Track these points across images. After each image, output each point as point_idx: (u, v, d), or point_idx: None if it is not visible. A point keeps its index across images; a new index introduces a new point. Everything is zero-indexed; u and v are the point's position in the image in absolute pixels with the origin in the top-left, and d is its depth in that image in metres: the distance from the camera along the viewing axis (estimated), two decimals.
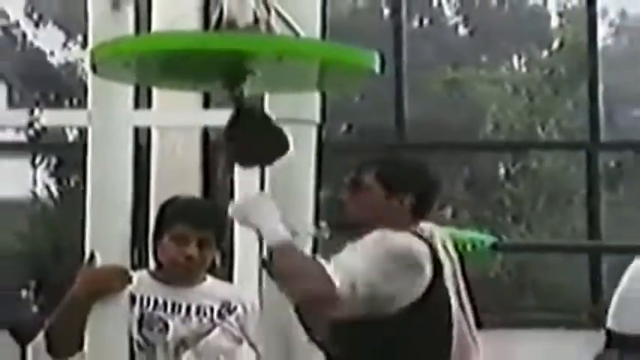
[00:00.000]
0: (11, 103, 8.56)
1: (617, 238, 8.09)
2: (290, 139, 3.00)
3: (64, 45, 8.67)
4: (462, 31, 8.76)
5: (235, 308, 3.54)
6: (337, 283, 2.93)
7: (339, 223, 3.39)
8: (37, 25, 8.68)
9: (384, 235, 3.14)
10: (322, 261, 3.02)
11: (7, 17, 8.62)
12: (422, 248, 3.18)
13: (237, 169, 3.99)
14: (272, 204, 3.06)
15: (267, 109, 3.10)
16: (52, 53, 8.74)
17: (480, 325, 3.81)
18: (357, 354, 3.22)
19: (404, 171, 3.39)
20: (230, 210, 3.15)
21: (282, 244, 3.01)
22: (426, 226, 3.34)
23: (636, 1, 8.59)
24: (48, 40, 8.70)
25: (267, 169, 3.36)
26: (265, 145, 3.01)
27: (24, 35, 8.70)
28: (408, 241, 3.18)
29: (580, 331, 7.49)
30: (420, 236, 3.24)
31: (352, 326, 3.11)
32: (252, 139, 2.98)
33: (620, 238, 8.16)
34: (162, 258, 3.52)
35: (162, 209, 3.57)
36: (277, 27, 2.87)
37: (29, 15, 8.66)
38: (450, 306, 3.27)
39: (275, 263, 3.04)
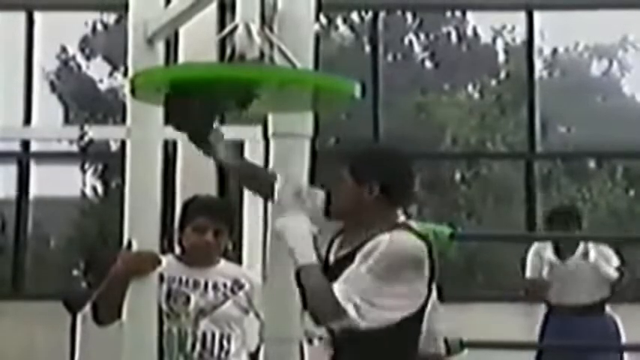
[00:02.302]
0: (67, 121, 8.54)
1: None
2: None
3: (110, 74, 8.65)
4: (428, 64, 8.74)
5: (244, 285, 3.53)
6: (347, 311, 2.72)
7: (326, 214, 3.18)
8: (88, 58, 8.65)
9: (388, 247, 2.79)
10: (336, 290, 2.76)
11: (66, 52, 8.61)
12: (422, 252, 2.85)
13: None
14: (308, 226, 2.83)
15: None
16: (100, 81, 8.71)
17: (442, 299, 3.80)
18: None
19: (370, 161, 2.96)
20: (275, 224, 2.89)
21: (308, 266, 2.78)
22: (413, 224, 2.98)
23: (565, 43, 8.60)
24: (97, 70, 8.68)
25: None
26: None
27: (79, 66, 8.67)
28: (412, 249, 2.84)
29: (518, 303, 7.49)
30: (418, 233, 2.89)
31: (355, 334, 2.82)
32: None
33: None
34: (185, 244, 3.51)
35: (185, 205, 3.56)
36: (279, 60, 2.86)
37: (83, 50, 8.63)
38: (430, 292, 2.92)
39: (299, 280, 2.81)
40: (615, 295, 6.15)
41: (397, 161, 2.98)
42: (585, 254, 6.06)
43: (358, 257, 2.82)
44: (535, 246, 6.24)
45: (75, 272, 8.01)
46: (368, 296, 2.75)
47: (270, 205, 3.15)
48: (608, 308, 6.15)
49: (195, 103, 2.82)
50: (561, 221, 6.10)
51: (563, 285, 6.10)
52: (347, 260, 2.86)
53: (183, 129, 2.94)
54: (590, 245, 6.08)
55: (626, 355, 6.02)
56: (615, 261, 6.11)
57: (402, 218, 2.96)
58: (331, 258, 2.98)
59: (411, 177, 2.97)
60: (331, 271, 2.90)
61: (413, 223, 2.98)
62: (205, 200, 3.57)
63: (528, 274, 6.24)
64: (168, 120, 2.90)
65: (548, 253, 6.16)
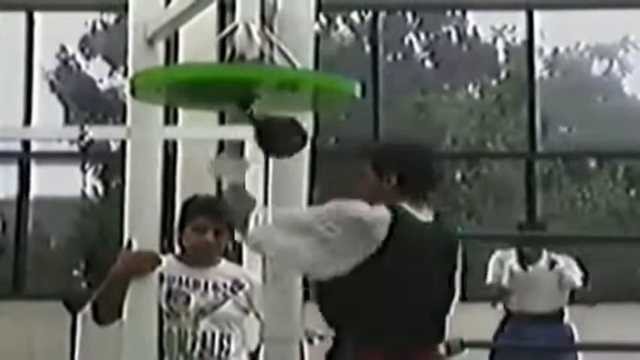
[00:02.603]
0: (67, 121, 8.54)
1: (550, 230, 8.09)
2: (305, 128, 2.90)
3: (110, 74, 8.65)
4: (429, 64, 8.74)
5: (244, 285, 3.53)
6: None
7: None
8: (88, 57, 8.66)
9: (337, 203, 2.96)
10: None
11: (66, 51, 8.60)
12: (376, 214, 2.93)
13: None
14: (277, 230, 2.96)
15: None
16: (100, 80, 8.72)
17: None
18: (327, 311, 3.04)
19: (390, 154, 3.14)
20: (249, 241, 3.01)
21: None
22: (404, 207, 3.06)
23: (565, 43, 8.60)
24: (97, 70, 8.68)
25: (270, 174, 3.34)
26: (291, 139, 2.92)
27: (78, 66, 8.67)
28: (359, 207, 2.95)
29: None
30: (390, 208, 2.96)
31: (325, 287, 2.97)
32: (280, 140, 2.91)
33: (553, 229, 8.16)
34: (185, 244, 3.51)
35: (185, 205, 3.56)
36: (279, 60, 2.86)
37: (82, 50, 8.63)
38: (404, 272, 2.95)
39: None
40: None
41: (414, 153, 3.12)
42: (552, 264, 6.16)
43: None
44: (497, 253, 6.33)
45: (75, 272, 8.02)
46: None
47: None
48: (566, 317, 6.25)
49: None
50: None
51: (523, 292, 6.18)
52: None
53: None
54: (555, 255, 6.20)
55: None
56: (578, 271, 6.21)
57: (404, 205, 3.02)
58: None
59: (428, 168, 3.11)
60: None
61: (409, 209, 3.02)
62: (205, 200, 3.57)
63: (489, 279, 6.32)
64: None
65: (511, 261, 6.26)
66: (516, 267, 6.24)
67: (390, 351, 2.94)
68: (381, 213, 2.95)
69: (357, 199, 3.06)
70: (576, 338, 6.20)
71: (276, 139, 2.87)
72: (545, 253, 6.22)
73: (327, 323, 3.04)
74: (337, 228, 2.91)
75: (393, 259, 2.93)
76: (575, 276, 6.17)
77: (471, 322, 5.88)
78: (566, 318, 6.25)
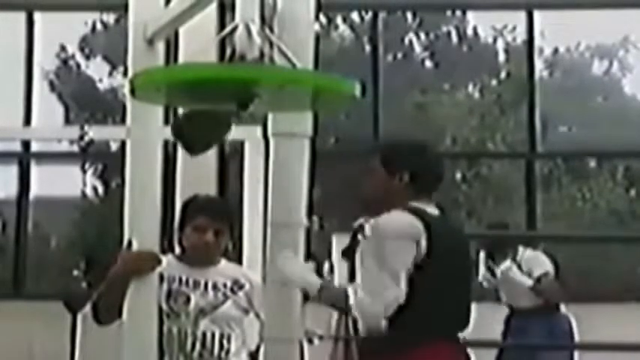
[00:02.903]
0: (67, 121, 8.54)
1: (550, 229, 8.10)
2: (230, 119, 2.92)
3: (110, 74, 8.65)
4: (428, 63, 8.74)
5: (244, 285, 3.53)
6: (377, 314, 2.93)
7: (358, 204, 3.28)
8: (88, 57, 8.65)
9: (372, 233, 3.00)
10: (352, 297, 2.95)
11: (66, 51, 8.60)
12: (414, 223, 2.99)
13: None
14: (298, 259, 3.05)
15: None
16: (100, 80, 8.71)
17: None
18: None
19: (401, 151, 3.18)
20: (269, 271, 3.09)
21: (318, 291, 3.01)
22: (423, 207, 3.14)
23: (566, 43, 8.60)
24: (97, 70, 8.68)
25: (271, 174, 3.34)
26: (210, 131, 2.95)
27: (78, 66, 8.67)
28: (398, 220, 3.01)
29: None
30: (416, 212, 3.04)
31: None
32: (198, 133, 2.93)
33: (553, 229, 8.17)
34: (185, 244, 3.51)
35: (185, 205, 3.56)
36: (278, 60, 2.86)
37: (82, 49, 8.63)
38: (450, 276, 3.06)
39: (322, 302, 3.03)
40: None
41: (425, 152, 3.20)
42: (514, 259, 6.22)
43: (357, 253, 3.05)
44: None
45: (75, 272, 8.01)
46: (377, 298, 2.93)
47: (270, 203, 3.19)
48: (563, 308, 6.29)
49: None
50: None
51: (504, 290, 6.31)
52: (351, 251, 3.17)
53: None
54: (520, 253, 6.23)
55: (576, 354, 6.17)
56: (545, 266, 6.21)
57: (415, 203, 3.09)
58: None
59: (437, 166, 3.20)
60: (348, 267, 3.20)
61: (426, 206, 3.11)
62: (205, 200, 3.57)
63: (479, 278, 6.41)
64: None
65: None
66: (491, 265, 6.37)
67: (442, 345, 3.06)
68: (417, 227, 3.00)
69: (366, 197, 3.14)
70: (574, 329, 6.23)
71: (191, 132, 2.88)
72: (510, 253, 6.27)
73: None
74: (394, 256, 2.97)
75: (435, 261, 3.01)
76: (522, 276, 6.18)
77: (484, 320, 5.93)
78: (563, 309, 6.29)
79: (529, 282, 6.15)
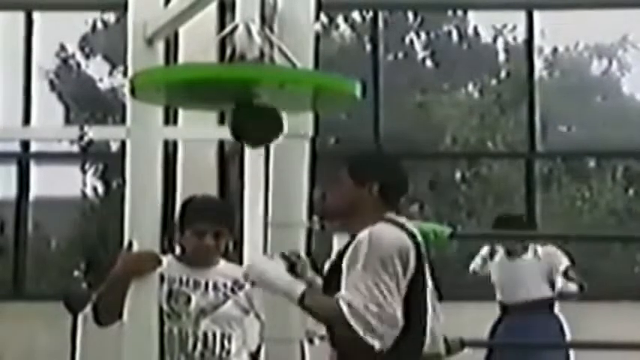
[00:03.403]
0: (67, 120, 8.53)
1: (550, 229, 8.09)
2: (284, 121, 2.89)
3: (110, 73, 8.64)
4: (429, 63, 8.73)
5: (244, 285, 3.52)
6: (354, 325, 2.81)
7: (323, 214, 3.25)
8: (88, 57, 8.64)
9: (370, 242, 2.89)
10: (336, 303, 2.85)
11: (66, 50, 8.58)
12: (405, 243, 2.94)
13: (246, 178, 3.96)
14: (276, 262, 2.98)
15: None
16: (100, 80, 8.70)
17: (440, 297, 3.78)
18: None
19: (369, 162, 3.11)
20: (245, 271, 3.04)
21: (300, 295, 2.89)
22: (401, 220, 3.10)
23: (565, 42, 8.59)
24: (97, 69, 8.67)
25: (271, 174, 3.34)
26: (266, 128, 2.92)
27: (78, 65, 8.66)
28: (394, 236, 2.93)
29: None
30: (402, 226, 2.99)
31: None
32: (254, 128, 2.90)
33: (552, 228, 8.16)
34: (185, 246, 3.50)
35: (184, 207, 3.55)
36: (279, 60, 2.85)
37: (82, 49, 8.62)
38: (425, 289, 3.03)
39: (303, 308, 2.93)
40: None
41: (394, 163, 3.13)
42: (535, 252, 6.35)
43: (345, 262, 2.90)
44: (485, 249, 6.55)
45: (75, 273, 8.00)
46: (374, 305, 2.82)
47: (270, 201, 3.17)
48: (557, 308, 6.36)
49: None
50: (507, 227, 6.40)
51: (512, 283, 6.36)
52: (335, 265, 2.97)
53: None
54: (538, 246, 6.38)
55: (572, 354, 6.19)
56: (564, 260, 6.32)
57: (390, 215, 3.02)
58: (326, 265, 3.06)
59: (405, 179, 3.13)
60: (324, 279, 3.01)
61: (402, 219, 3.04)
62: (204, 202, 3.55)
63: (470, 267, 6.62)
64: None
65: (499, 254, 6.48)
66: (504, 258, 6.44)
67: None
68: (408, 243, 2.94)
69: (335, 207, 3.07)
70: (565, 329, 6.27)
71: (250, 126, 2.85)
72: (531, 247, 6.39)
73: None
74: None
75: (418, 277, 2.97)
76: (559, 261, 6.30)
77: (465, 320, 5.92)
78: (556, 309, 6.35)
79: (566, 262, 6.26)
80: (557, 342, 6.19)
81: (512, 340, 6.21)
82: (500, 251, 6.47)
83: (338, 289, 2.88)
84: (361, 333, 2.80)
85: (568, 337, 6.23)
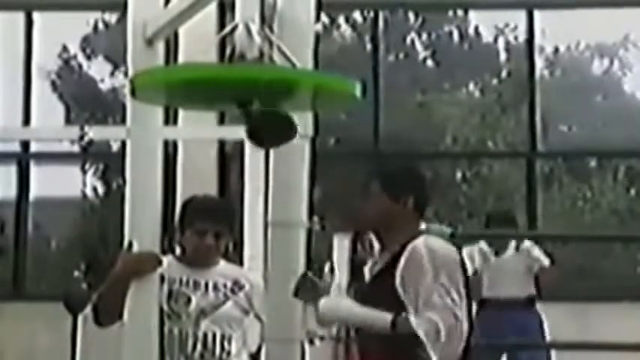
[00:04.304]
0: (68, 121, 8.53)
1: (551, 229, 8.09)
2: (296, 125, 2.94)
3: (112, 74, 8.64)
4: (430, 63, 8.73)
5: (244, 286, 3.52)
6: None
7: (356, 228, 3.32)
8: (90, 58, 8.64)
9: (432, 255, 3.04)
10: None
11: (68, 51, 8.59)
12: (457, 255, 3.14)
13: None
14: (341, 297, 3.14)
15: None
16: (101, 80, 8.70)
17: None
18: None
19: (403, 177, 3.27)
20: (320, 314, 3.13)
21: (391, 321, 3.00)
22: (440, 232, 3.30)
23: (566, 41, 8.59)
24: (98, 69, 8.67)
25: (271, 174, 3.33)
26: (279, 132, 2.94)
27: (80, 66, 8.66)
28: (452, 252, 3.11)
29: None
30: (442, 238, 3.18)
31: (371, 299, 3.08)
32: (270, 131, 2.92)
33: (553, 228, 8.16)
34: (185, 247, 3.50)
35: (184, 207, 3.55)
36: (278, 60, 2.85)
37: (84, 49, 8.62)
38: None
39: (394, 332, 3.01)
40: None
41: (422, 177, 3.33)
42: (517, 247, 6.42)
43: (403, 273, 3.02)
44: (467, 249, 6.43)
45: (76, 273, 8.00)
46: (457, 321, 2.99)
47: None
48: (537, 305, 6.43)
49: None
50: (497, 223, 6.54)
51: (495, 279, 6.41)
52: (384, 275, 3.09)
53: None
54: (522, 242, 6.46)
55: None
56: (543, 257, 6.44)
57: (422, 226, 3.20)
58: (366, 274, 3.18)
59: (430, 192, 3.33)
60: (368, 287, 3.15)
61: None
62: (204, 202, 3.55)
63: None
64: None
65: (482, 245, 6.51)
66: (488, 254, 6.48)
67: None
68: (456, 253, 3.12)
69: (368, 222, 3.21)
70: (545, 326, 6.32)
71: (265, 130, 2.87)
72: (512, 242, 6.48)
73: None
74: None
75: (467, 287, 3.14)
76: (539, 253, 6.41)
77: None
78: (537, 306, 6.41)
79: (546, 261, 6.33)
80: (565, 343, 6.17)
81: (490, 334, 6.17)
82: (483, 247, 6.50)
83: (387, 299, 3.01)
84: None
85: (547, 335, 6.26)
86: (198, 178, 4.18)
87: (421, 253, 3.03)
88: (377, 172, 3.31)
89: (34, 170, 8.07)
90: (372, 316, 3.03)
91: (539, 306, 6.43)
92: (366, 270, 3.24)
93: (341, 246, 4.63)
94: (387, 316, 2.98)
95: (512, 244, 6.45)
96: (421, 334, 2.97)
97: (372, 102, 7.78)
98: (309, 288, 3.11)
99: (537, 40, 8.13)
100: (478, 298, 6.33)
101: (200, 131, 4.80)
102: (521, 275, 6.37)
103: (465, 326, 3.01)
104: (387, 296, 3.02)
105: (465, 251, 6.45)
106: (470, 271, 6.37)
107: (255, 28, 2.77)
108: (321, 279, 3.19)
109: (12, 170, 8.01)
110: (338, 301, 3.13)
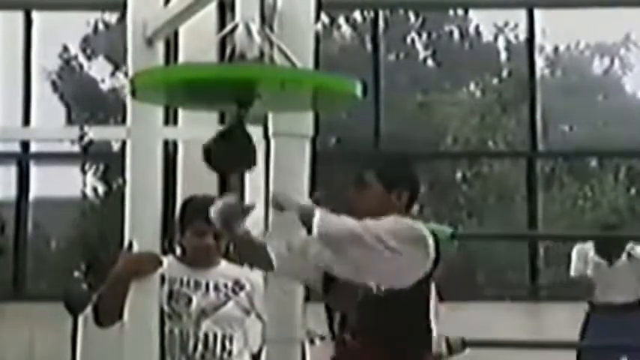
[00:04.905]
0: (69, 121, 8.53)
1: (551, 228, 8.09)
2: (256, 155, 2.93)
3: (112, 74, 8.63)
4: (430, 62, 8.73)
5: (244, 286, 3.52)
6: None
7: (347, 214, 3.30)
8: (90, 58, 8.64)
9: (394, 223, 3.04)
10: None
11: (68, 51, 8.59)
12: (425, 232, 3.07)
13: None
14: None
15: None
16: (102, 81, 8.70)
17: (441, 298, 3.79)
18: (373, 322, 3.09)
19: (400, 170, 3.25)
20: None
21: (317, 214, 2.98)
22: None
23: (567, 41, 8.59)
24: (99, 70, 8.67)
25: (271, 174, 3.33)
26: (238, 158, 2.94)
27: (80, 66, 8.66)
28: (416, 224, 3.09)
29: (521, 303, 7.49)
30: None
31: (374, 300, 3.05)
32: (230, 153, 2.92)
33: (554, 228, 8.16)
34: (186, 246, 3.50)
35: (183, 207, 3.55)
36: (279, 59, 2.85)
37: (84, 50, 8.62)
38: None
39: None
40: None
41: (417, 174, 3.26)
42: (629, 254, 6.37)
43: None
44: (578, 247, 6.48)
45: (76, 273, 8.00)
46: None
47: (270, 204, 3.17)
48: None
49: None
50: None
51: (607, 285, 6.34)
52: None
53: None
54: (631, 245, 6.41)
55: None
56: None
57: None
58: None
59: (420, 186, 3.26)
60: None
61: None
62: (203, 202, 3.54)
63: (572, 273, 6.47)
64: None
65: (591, 253, 6.43)
66: (599, 260, 6.41)
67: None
68: (427, 233, 3.06)
69: (360, 211, 3.11)
70: None
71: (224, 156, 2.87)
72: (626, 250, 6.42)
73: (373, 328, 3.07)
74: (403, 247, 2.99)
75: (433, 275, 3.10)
76: None
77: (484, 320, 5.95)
78: None
79: None
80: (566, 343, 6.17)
81: (604, 339, 6.18)
82: (591, 251, 6.45)
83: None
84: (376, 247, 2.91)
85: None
86: (198, 178, 4.16)
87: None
88: (372, 162, 3.29)
89: (34, 170, 8.07)
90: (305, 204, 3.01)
91: (539, 306, 6.42)
92: None
93: None
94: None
95: (625, 252, 6.40)
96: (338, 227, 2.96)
97: (373, 102, 7.78)
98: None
99: (538, 39, 8.13)
100: (589, 299, 6.38)
101: (200, 131, 4.78)
102: (634, 281, 6.34)
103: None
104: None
105: (575, 250, 6.48)
106: (577, 271, 6.38)
107: (255, 27, 2.77)
108: None
109: (12, 170, 8.01)
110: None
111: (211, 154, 2.88)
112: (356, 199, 3.17)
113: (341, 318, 3.15)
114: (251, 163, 2.92)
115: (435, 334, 3.31)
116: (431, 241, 3.04)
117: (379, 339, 3.05)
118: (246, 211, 3.05)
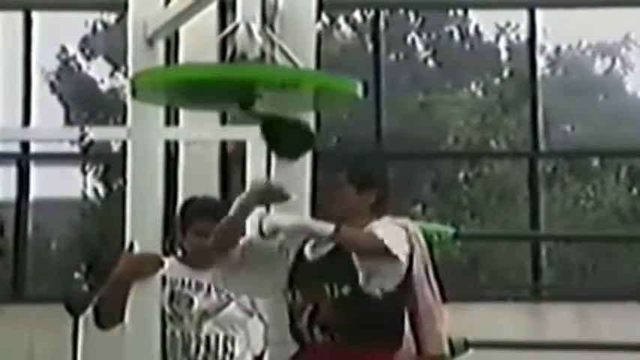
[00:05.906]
0: (68, 122, 8.52)
1: (553, 228, 8.08)
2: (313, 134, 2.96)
3: (111, 74, 8.63)
4: (431, 63, 8.72)
5: None
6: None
7: (319, 214, 3.31)
8: (89, 58, 8.64)
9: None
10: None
11: (67, 52, 8.58)
12: (404, 238, 3.12)
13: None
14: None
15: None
16: (101, 81, 8.70)
17: (444, 299, 3.78)
18: (351, 321, 3.10)
19: (369, 173, 3.27)
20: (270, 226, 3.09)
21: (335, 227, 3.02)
22: (402, 221, 3.22)
23: (568, 41, 8.58)
24: (98, 70, 8.66)
25: (272, 174, 3.33)
26: (294, 142, 2.96)
27: (79, 66, 8.65)
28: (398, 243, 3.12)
29: (523, 303, 7.48)
30: (405, 228, 3.17)
31: (355, 298, 3.07)
32: (282, 141, 2.93)
33: (556, 228, 8.15)
34: (187, 247, 3.50)
35: (184, 207, 3.54)
36: (280, 59, 2.85)
37: (83, 50, 8.61)
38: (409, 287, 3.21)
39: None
40: None
41: (387, 177, 3.37)
42: None
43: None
44: None
45: (76, 275, 7.99)
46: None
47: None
48: None
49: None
50: None
51: None
52: (334, 256, 3.10)
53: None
54: None
55: None
56: None
57: (387, 218, 3.18)
58: (308, 255, 3.15)
59: (390, 191, 3.29)
60: (313, 267, 3.11)
61: (404, 221, 3.21)
62: (204, 202, 3.54)
63: None
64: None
65: None
66: None
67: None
68: (405, 239, 3.12)
69: (333, 210, 3.15)
70: None
71: (283, 140, 2.88)
72: None
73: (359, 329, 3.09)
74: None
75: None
76: None
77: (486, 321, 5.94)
78: None
79: None
80: (566, 343, 6.16)
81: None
82: None
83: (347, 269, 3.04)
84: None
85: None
86: (199, 179, 4.17)
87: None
88: (344, 164, 3.31)
89: (34, 171, 8.06)
90: (316, 223, 3.05)
91: (542, 306, 6.41)
92: (307, 250, 3.19)
93: None
94: (330, 226, 3.01)
95: None
96: (359, 238, 3.03)
97: (374, 102, 7.77)
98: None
99: (539, 39, 8.12)
100: None
101: (202, 132, 4.79)
102: None
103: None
104: (346, 267, 3.06)
105: None
106: None
107: (256, 28, 2.77)
108: None
109: (12, 171, 8.00)
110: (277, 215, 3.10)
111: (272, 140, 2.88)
112: (331, 199, 3.20)
113: (311, 312, 3.14)
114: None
115: (435, 334, 3.32)
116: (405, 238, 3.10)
117: (352, 335, 3.07)
118: (284, 197, 3.04)
